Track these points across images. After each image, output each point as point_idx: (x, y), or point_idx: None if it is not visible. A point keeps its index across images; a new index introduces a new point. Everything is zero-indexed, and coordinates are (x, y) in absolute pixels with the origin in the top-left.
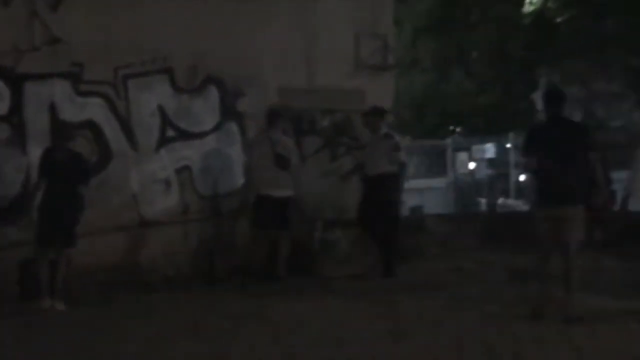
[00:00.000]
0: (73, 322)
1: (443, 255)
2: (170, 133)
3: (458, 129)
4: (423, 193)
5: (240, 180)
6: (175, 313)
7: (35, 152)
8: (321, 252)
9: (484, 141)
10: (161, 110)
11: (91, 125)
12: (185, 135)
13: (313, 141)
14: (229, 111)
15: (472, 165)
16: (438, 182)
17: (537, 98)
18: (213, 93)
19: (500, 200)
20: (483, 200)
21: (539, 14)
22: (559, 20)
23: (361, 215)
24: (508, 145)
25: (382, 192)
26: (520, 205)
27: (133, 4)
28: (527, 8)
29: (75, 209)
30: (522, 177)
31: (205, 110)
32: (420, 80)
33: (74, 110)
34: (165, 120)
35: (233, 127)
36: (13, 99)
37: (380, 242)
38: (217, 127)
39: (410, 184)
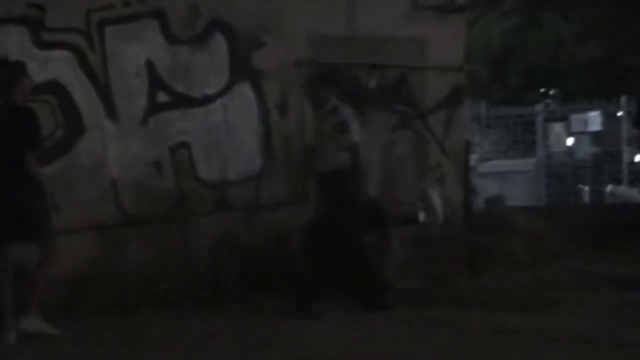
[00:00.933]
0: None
1: (532, 262)
2: (162, 98)
3: (551, 92)
4: (505, 178)
5: (257, 163)
6: (170, 342)
7: None
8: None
9: (586, 109)
10: (150, 67)
11: (56, 88)
12: (182, 102)
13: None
14: (241, 68)
15: (570, 141)
16: (524, 164)
17: None
18: (220, 43)
19: (609, 188)
20: (585, 188)
21: None
22: None
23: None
24: (619, 114)
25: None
26: (636, 194)
27: None
28: None
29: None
30: (638, 157)
31: (209, 68)
32: (500, 27)
33: (33, 66)
34: (156, 82)
35: (247, 89)
36: None
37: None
38: (225, 90)
39: (487, 166)
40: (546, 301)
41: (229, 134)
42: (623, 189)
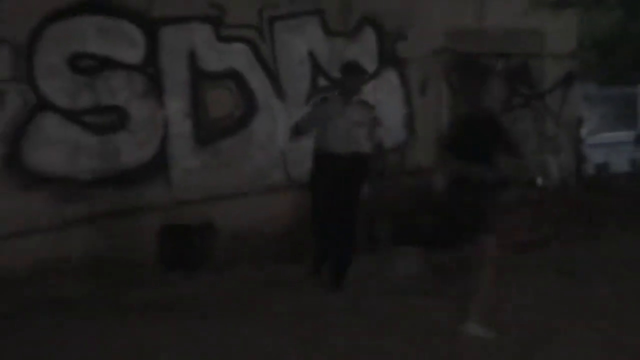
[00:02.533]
0: None
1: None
2: (322, 82)
3: None
4: (610, 148)
5: (402, 136)
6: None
7: (172, 105)
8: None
9: None
10: (312, 56)
11: (234, 75)
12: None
13: (487, 90)
14: (388, 57)
15: None
16: (627, 135)
17: None
18: (370, 36)
19: None
20: None
21: None
22: None
23: None
24: None
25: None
26: None
27: None
28: None
29: None
30: None
31: (361, 57)
32: (606, 19)
33: (214, 58)
34: (317, 68)
35: (393, 75)
36: (147, 46)
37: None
38: (374, 76)
39: (595, 138)
40: None
41: (378, 112)
42: None
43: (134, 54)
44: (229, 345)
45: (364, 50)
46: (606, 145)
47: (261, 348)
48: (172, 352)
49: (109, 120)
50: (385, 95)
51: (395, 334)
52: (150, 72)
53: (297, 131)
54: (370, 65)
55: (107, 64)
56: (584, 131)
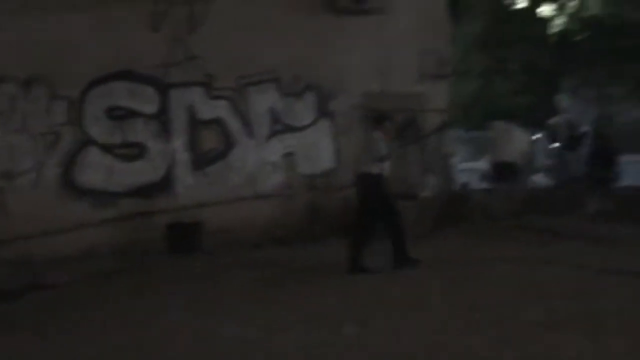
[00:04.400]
0: None
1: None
2: (278, 127)
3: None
4: (470, 172)
5: (329, 163)
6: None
7: (176, 144)
8: None
9: None
10: (271, 110)
11: (219, 122)
12: (290, 129)
13: (387, 134)
14: (323, 110)
15: None
16: (480, 164)
17: (560, 99)
18: (311, 96)
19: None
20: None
21: (562, 33)
22: (578, 38)
23: None
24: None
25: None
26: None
27: (250, 28)
28: (553, 29)
29: None
30: None
31: (305, 110)
32: (468, 86)
33: (206, 110)
34: (275, 118)
35: (326, 122)
36: (161, 102)
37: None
38: (313, 123)
39: (462, 165)
40: None
41: (316, 147)
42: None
43: (151, 107)
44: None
45: (307, 105)
46: (468, 170)
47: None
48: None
49: (133, 152)
50: (321, 136)
51: None
52: (162, 119)
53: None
54: (310, 116)
55: (132, 114)
56: (454, 160)
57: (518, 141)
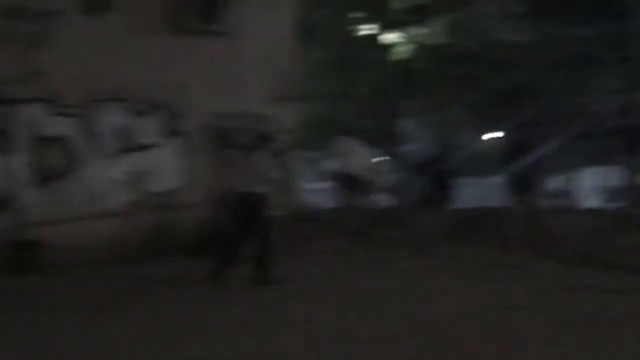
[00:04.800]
0: None
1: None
2: (125, 145)
3: None
4: (317, 192)
5: (177, 182)
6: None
7: (18, 160)
8: None
9: None
10: (119, 127)
11: (64, 139)
12: (137, 147)
13: (236, 153)
14: (171, 129)
15: None
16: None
17: (403, 123)
18: (159, 115)
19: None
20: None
21: (405, 60)
22: (420, 65)
23: None
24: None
25: None
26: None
27: (100, 46)
28: (398, 56)
29: None
30: None
31: (152, 128)
32: (318, 109)
33: (51, 127)
34: (122, 136)
35: (174, 141)
36: (2, 118)
37: None
38: (162, 141)
39: (310, 185)
40: None
41: (164, 166)
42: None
43: None
44: None
45: (156, 124)
46: (313, 190)
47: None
48: None
49: None
50: (169, 154)
51: None
52: (4, 135)
53: None
54: (159, 135)
55: None
56: (301, 180)
57: (361, 156)
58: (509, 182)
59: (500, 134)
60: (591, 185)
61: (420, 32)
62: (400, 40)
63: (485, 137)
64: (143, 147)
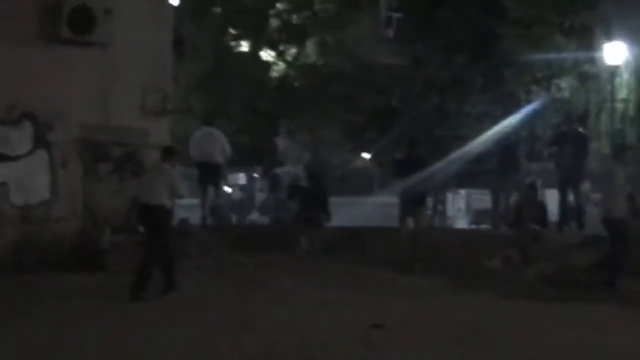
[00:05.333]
0: None
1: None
2: None
3: None
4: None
5: (47, 194)
6: None
7: None
8: (110, 251)
9: (237, 171)
10: None
11: None
12: (2, 158)
13: (107, 166)
14: (40, 140)
15: (228, 189)
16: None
17: (279, 141)
18: (27, 126)
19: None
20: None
21: (282, 79)
22: (296, 84)
23: None
24: (255, 175)
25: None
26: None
27: None
28: (274, 74)
29: None
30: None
31: (20, 139)
32: (192, 125)
33: None
34: None
35: (43, 153)
36: None
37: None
38: (30, 153)
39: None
40: None
41: (31, 178)
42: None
43: None
44: None
45: (23, 135)
46: (187, 206)
47: None
48: None
49: None
50: (37, 166)
51: None
52: None
53: None
54: (26, 146)
55: None
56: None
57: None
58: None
59: (369, 155)
60: (460, 207)
61: (293, 51)
62: (277, 59)
63: (363, 155)
64: (10, 158)
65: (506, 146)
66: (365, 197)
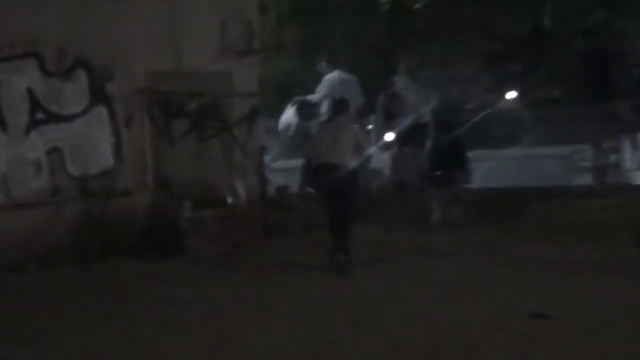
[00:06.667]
0: None
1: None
2: (40, 116)
3: None
4: (290, 172)
5: (109, 162)
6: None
7: None
8: (190, 231)
9: None
10: (30, 93)
11: None
12: (55, 118)
13: (182, 123)
14: (98, 94)
15: None
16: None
17: (397, 81)
18: (82, 76)
19: None
20: None
21: (396, 2)
22: (415, 6)
23: None
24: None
25: None
26: None
27: None
28: None
29: None
30: None
31: (74, 94)
32: (285, 65)
33: None
34: (35, 103)
35: (102, 110)
36: None
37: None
38: (86, 110)
39: (277, 164)
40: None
41: (90, 142)
42: None
43: None
44: None
45: (77, 88)
46: (286, 170)
47: None
48: None
49: None
50: (96, 127)
51: None
52: None
53: None
54: (82, 102)
55: None
56: (267, 158)
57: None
58: None
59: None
60: None
61: None
62: None
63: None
64: (63, 118)
65: None
66: (512, 148)
